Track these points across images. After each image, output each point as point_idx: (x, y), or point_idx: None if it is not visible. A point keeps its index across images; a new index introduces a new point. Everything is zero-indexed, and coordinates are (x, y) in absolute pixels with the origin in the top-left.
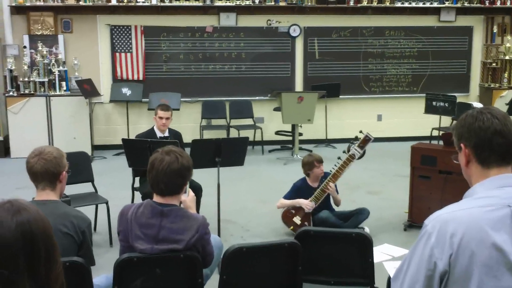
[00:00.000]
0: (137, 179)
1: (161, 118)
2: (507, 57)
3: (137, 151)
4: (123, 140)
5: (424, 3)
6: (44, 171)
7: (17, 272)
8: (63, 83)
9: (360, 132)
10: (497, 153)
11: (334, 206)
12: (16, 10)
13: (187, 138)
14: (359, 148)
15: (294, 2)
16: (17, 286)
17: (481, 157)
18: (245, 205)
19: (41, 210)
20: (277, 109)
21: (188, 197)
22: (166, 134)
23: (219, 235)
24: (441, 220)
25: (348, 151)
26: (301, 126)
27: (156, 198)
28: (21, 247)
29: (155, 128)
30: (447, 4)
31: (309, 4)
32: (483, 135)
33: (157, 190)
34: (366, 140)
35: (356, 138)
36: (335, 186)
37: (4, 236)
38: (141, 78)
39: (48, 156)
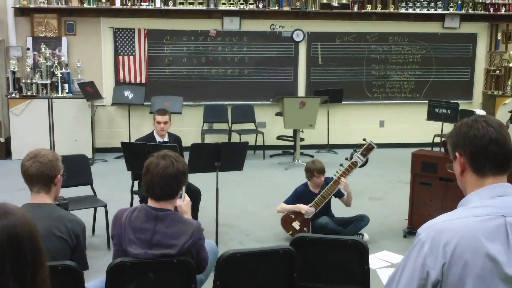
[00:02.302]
0: (136, 182)
1: (159, 123)
2: (511, 65)
3: (136, 154)
4: (122, 143)
5: (428, 10)
6: (39, 174)
7: (2, 275)
8: (66, 86)
9: (364, 140)
10: (492, 162)
11: (333, 212)
12: (20, 11)
13: (188, 142)
14: (362, 156)
15: (298, 7)
16: None
17: (476, 166)
18: (245, 210)
19: (33, 214)
20: (279, 114)
21: (183, 202)
22: (166, 139)
23: (217, 239)
24: (435, 229)
25: (351, 158)
26: (302, 131)
27: (151, 203)
28: (6, 250)
29: (154, 132)
30: (451, 10)
31: (313, 9)
32: (478, 144)
33: (152, 194)
34: (369, 148)
35: (360, 146)
36: (339, 189)
37: None
38: (143, 81)
39: (43, 159)
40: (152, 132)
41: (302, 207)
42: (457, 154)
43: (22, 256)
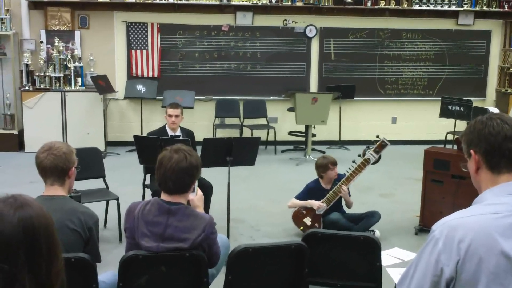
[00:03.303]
0: (148, 176)
1: (170, 116)
2: None
3: (149, 148)
4: (134, 137)
5: (442, 6)
6: (53, 166)
7: (17, 266)
8: (79, 79)
9: (377, 136)
10: (507, 159)
11: (345, 208)
12: (34, 5)
13: (200, 136)
14: (374, 153)
15: (311, 3)
16: (17, 280)
17: (491, 163)
18: (256, 205)
19: (47, 206)
20: (291, 109)
21: (196, 196)
22: (178, 133)
23: (228, 234)
24: (449, 226)
25: (364, 155)
26: (314, 127)
27: (164, 196)
28: (22, 242)
29: (166, 126)
30: (465, 7)
31: (326, 4)
32: (493, 141)
33: (165, 188)
34: (383, 145)
35: (373, 143)
36: (348, 189)
37: (5, 230)
38: (156, 75)
39: (57, 151)
40: (164, 126)
41: (314, 203)
42: (471, 151)
43: (38, 248)
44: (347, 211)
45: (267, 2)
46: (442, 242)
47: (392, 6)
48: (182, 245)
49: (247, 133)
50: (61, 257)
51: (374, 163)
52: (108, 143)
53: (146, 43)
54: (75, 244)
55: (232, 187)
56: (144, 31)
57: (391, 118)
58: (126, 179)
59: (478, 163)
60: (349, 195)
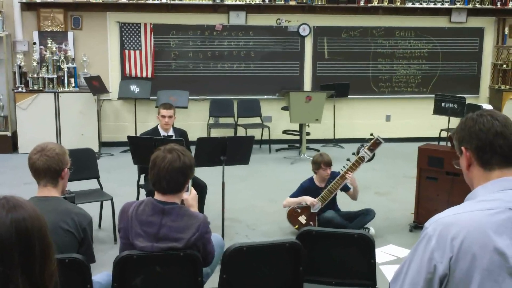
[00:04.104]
0: (142, 176)
1: (163, 116)
2: None
3: (143, 148)
4: (128, 137)
5: (435, 4)
6: (46, 167)
7: (10, 268)
8: (72, 80)
9: (371, 134)
10: (499, 155)
11: (340, 206)
12: (27, 6)
13: (194, 136)
14: (369, 151)
15: (304, 1)
16: (10, 282)
17: (483, 159)
18: (251, 204)
19: (40, 207)
20: (285, 108)
21: (190, 195)
22: (171, 133)
23: (223, 233)
24: (442, 223)
25: (358, 153)
26: (308, 126)
27: (157, 196)
28: (15, 243)
29: (159, 127)
30: (458, 5)
31: (319, 3)
32: (484, 137)
33: (159, 187)
34: (377, 143)
35: (367, 141)
36: (346, 183)
37: None
38: (149, 75)
39: (50, 152)
40: (157, 126)
41: (308, 199)
42: (463, 148)
43: (31, 250)
44: (344, 206)
45: (260, 1)
46: (435, 240)
47: (385, 4)
48: (176, 244)
49: (241, 132)
50: (54, 258)
51: (368, 161)
52: (102, 144)
53: (140, 43)
54: (69, 245)
55: (227, 186)
56: (137, 32)
57: (385, 116)
58: (120, 180)
59: (470, 159)
60: (347, 190)
